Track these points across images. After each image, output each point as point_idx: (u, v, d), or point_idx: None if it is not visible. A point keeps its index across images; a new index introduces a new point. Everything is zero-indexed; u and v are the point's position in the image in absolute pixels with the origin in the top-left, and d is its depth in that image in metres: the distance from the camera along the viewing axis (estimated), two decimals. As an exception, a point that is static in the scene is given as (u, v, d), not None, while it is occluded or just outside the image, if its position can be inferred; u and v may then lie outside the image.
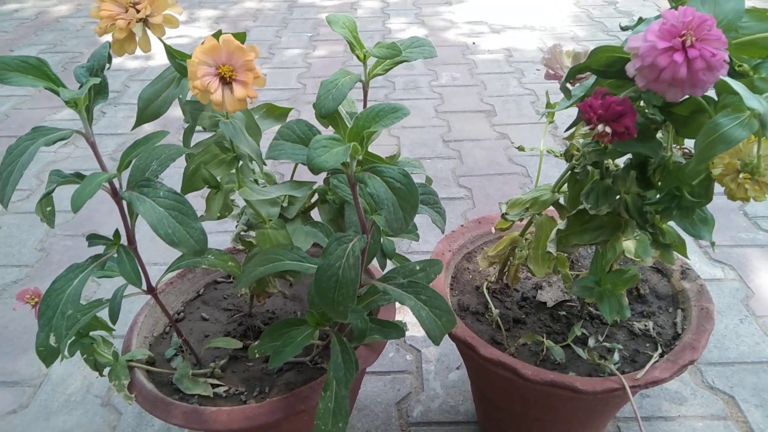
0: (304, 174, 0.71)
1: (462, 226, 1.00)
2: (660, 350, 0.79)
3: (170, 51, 0.60)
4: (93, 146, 0.58)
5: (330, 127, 0.68)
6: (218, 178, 0.66)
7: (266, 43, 2.75)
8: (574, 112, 0.67)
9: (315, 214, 0.81)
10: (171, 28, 0.55)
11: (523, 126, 1.99)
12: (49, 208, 0.64)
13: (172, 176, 0.63)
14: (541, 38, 2.71)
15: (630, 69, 0.49)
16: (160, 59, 2.54)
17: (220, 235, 1.51)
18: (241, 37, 0.55)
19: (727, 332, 1.20)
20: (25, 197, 1.69)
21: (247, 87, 0.53)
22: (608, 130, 0.53)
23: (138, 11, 0.54)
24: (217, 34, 0.54)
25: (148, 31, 0.55)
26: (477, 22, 2.95)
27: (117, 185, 0.63)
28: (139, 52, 0.55)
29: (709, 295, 0.85)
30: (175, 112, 0.67)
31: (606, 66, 0.55)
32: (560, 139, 1.91)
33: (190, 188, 0.66)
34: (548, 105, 0.78)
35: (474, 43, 2.69)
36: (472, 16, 3.05)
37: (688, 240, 0.72)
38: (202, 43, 0.53)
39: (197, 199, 1.58)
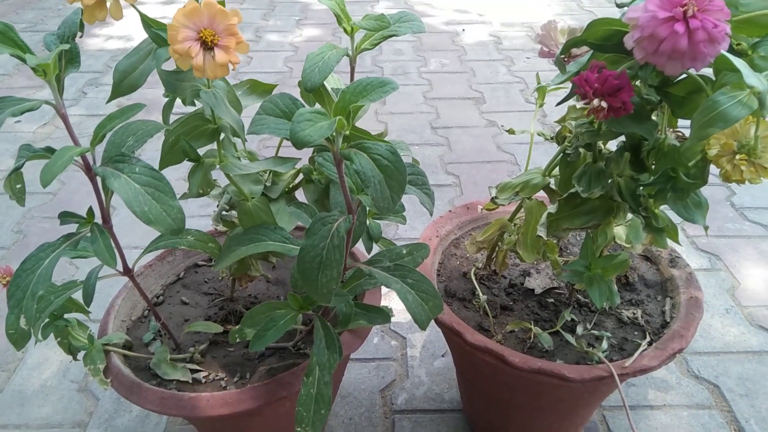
0: (288, 153, 0.69)
1: (450, 211, 0.98)
2: (648, 338, 0.78)
3: (146, 20, 0.57)
4: (64, 118, 0.55)
5: (316, 105, 0.66)
6: (199, 152, 0.64)
7: (253, 26, 2.70)
8: (564, 95, 0.65)
9: (300, 195, 0.79)
10: (144, -7, 0.52)
11: (512, 114, 1.98)
12: (18, 185, 0.61)
13: (154, 159, 0.60)
14: (530, 26, 2.69)
15: (628, 41, 0.47)
16: (142, 38, 2.49)
17: (204, 219, 1.48)
18: (221, 3, 0.52)
19: (713, 322, 1.20)
20: (0, 178, 1.65)
21: (229, 52, 0.51)
22: (604, 104, 0.51)
23: (106, -24, 0.51)
24: (198, -1, 0.51)
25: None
26: (466, 9, 2.93)
27: (91, 160, 0.60)
28: (121, 32, 0.52)
29: (697, 284, 0.84)
30: (155, 92, 0.64)
31: (603, 39, 0.53)
32: (549, 126, 1.89)
33: (169, 162, 0.63)
34: (539, 84, 0.76)
35: (463, 29, 2.66)
36: (462, 1, 3.02)
37: (676, 230, 0.71)
38: (184, 6, 0.50)
39: (180, 183, 1.55)
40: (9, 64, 2.32)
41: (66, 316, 0.73)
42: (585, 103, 0.52)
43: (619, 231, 0.76)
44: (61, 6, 2.97)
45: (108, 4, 0.50)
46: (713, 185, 1.54)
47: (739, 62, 0.47)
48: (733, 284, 1.29)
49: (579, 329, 0.80)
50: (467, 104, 2.04)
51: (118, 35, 2.56)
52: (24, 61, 0.50)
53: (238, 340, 0.70)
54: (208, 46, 0.50)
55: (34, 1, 3.03)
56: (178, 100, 0.66)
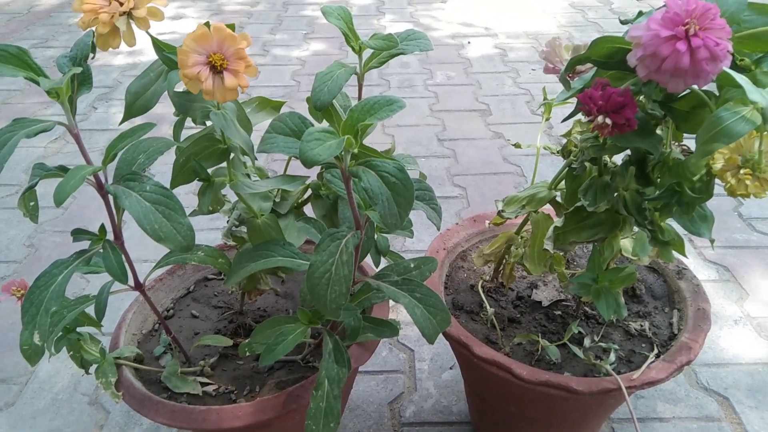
0: (297, 169, 0.70)
1: (457, 224, 0.99)
2: (656, 350, 0.78)
3: (157, 43, 0.58)
4: (77, 138, 0.57)
5: (324, 121, 0.67)
6: (209, 171, 0.65)
7: (260, 41, 2.73)
8: (570, 111, 0.66)
9: (308, 209, 0.80)
10: (156, 20, 0.54)
11: (518, 125, 1.98)
12: (32, 203, 0.62)
13: (164, 173, 0.61)
14: (536, 38, 2.70)
15: (631, 59, 0.48)
16: (151, 54, 2.52)
17: (213, 232, 1.49)
18: (231, 27, 0.53)
19: (721, 333, 1.19)
20: (13, 193, 1.67)
21: (238, 76, 0.52)
22: (608, 121, 0.51)
23: (121, 4, 0.53)
24: (207, 24, 0.52)
25: (133, 25, 0.53)
26: (472, 21, 2.95)
27: (103, 179, 0.61)
28: (131, 48, 0.53)
29: (705, 295, 0.84)
30: (165, 109, 0.65)
31: (607, 57, 0.53)
32: (555, 138, 1.90)
33: (180, 181, 0.65)
34: (545, 100, 0.77)
35: (469, 42, 2.68)
36: (467, 14, 3.04)
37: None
38: (193, 31, 0.52)
39: (189, 197, 1.56)
40: (20, 80, 2.35)
41: (78, 330, 0.74)
42: (589, 120, 0.53)
43: (626, 244, 0.76)
44: (72, 22, 3.02)
45: (121, 32, 0.52)
46: (720, 196, 1.53)
47: (741, 78, 0.48)
48: (741, 295, 1.28)
49: (586, 341, 0.81)
50: (473, 116, 2.05)
51: (127, 50, 2.59)
52: (38, 84, 0.51)
53: (247, 353, 0.71)
54: (217, 70, 0.52)
55: (45, 18, 3.07)
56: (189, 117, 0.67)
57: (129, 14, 0.53)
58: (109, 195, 0.60)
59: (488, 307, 0.85)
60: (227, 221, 0.78)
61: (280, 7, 3.21)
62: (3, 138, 0.51)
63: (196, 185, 0.69)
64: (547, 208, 0.80)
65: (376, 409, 1.05)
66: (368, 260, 0.79)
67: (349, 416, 1.04)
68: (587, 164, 0.68)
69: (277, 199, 0.74)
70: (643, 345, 0.80)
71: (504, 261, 0.87)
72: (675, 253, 0.73)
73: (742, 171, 0.53)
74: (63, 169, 0.57)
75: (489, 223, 0.90)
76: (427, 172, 1.73)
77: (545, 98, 0.77)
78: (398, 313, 1.25)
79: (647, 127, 0.59)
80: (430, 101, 2.16)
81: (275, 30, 2.88)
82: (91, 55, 0.57)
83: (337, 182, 0.61)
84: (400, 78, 2.35)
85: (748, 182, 0.53)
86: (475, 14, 3.05)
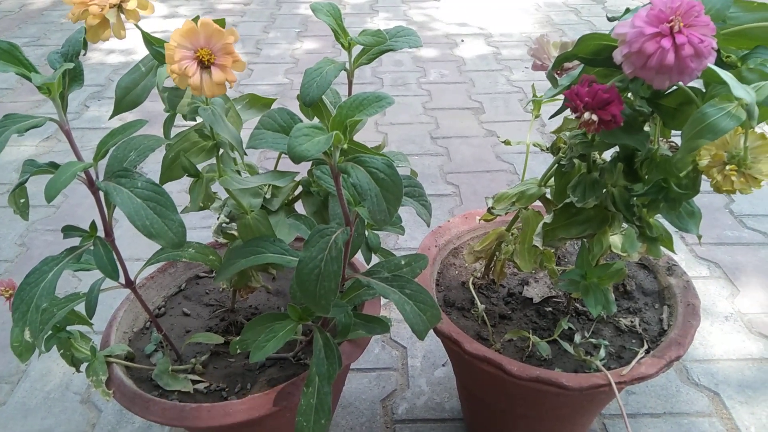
0: (288, 167, 0.70)
1: (448, 221, 0.99)
2: (646, 346, 0.79)
3: (147, 37, 0.58)
4: (68, 135, 0.57)
5: (315, 118, 0.67)
6: (199, 167, 0.65)
7: (253, 39, 2.73)
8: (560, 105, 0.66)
9: (299, 206, 0.80)
10: (146, 13, 0.54)
11: (511, 123, 1.99)
12: (22, 200, 0.62)
13: (157, 172, 0.62)
14: (529, 36, 2.71)
15: (617, 56, 0.49)
16: (144, 53, 2.51)
17: (205, 231, 1.49)
18: (220, 22, 0.53)
19: (712, 329, 1.20)
20: (5, 192, 1.66)
21: (225, 71, 0.52)
22: (595, 118, 0.52)
23: (110, -4, 0.53)
24: (195, 19, 0.53)
25: (123, 17, 0.53)
26: (465, 19, 2.95)
27: (94, 175, 0.61)
28: (123, 46, 0.53)
29: (695, 291, 0.85)
30: (157, 105, 0.65)
31: (593, 54, 0.54)
32: (548, 135, 1.91)
33: (169, 177, 0.65)
34: (534, 97, 0.77)
35: (462, 40, 2.68)
36: (461, 13, 3.04)
37: (674, 239, 0.72)
38: (181, 27, 0.52)
39: (182, 195, 1.56)
40: (12, 78, 2.34)
41: (69, 328, 0.74)
42: (576, 117, 0.53)
43: (615, 240, 0.77)
44: (64, 20, 3.00)
45: (111, 24, 0.52)
46: (712, 193, 1.54)
47: (726, 75, 0.48)
48: (732, 292, 1.29)
49: (577, 338, 0.81)
50: (467, 114, 2.06)
51: (120, 49, 2.58)
52: (29, 79, 0.51)
53: (238, 350, 0.71)
54: (205, 65, 0.52)
55: (37, 16, 3.06)
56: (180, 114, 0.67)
57: (119, 7, 0.53)
58: (100, 192, 0.60)
59: (479, 303, 0.85)
60: (218, 218, 0.78)
61: (273, 6, 3.21)
62: (-8, 134, 0.51)
63: (187, 183, 0.69)
64: (537, 205, 0.80)
65: (368, 407, 1.05)
66: (360, 258, 0.80)
67: (342, 414, 1.04)
68: (576, 161, 0.68)
69: (268, 196, 0.74)
70: (634, 341, 0.81)
71: (495, 258, 0.87)
72: (666, 251, 0.73)
73: (727, 167, 0.54)
74: (54, 166, 0.57)
75: (479, 219, 0.90)
76: (420, 170, 1.74)
77: (534, 95, 0.78)
78: (390, 310, 1.25)
79: (635, 123, 0.59)
80: (423, 99, 2.16)
81: (268, 28, 2.88)
82: (83, 51, 0.57)
83: (326, 178, 0.61)
84: (394, 76, 2.35)
85: (733, 178, 0.53)
86: (468, 12, 3.05)
